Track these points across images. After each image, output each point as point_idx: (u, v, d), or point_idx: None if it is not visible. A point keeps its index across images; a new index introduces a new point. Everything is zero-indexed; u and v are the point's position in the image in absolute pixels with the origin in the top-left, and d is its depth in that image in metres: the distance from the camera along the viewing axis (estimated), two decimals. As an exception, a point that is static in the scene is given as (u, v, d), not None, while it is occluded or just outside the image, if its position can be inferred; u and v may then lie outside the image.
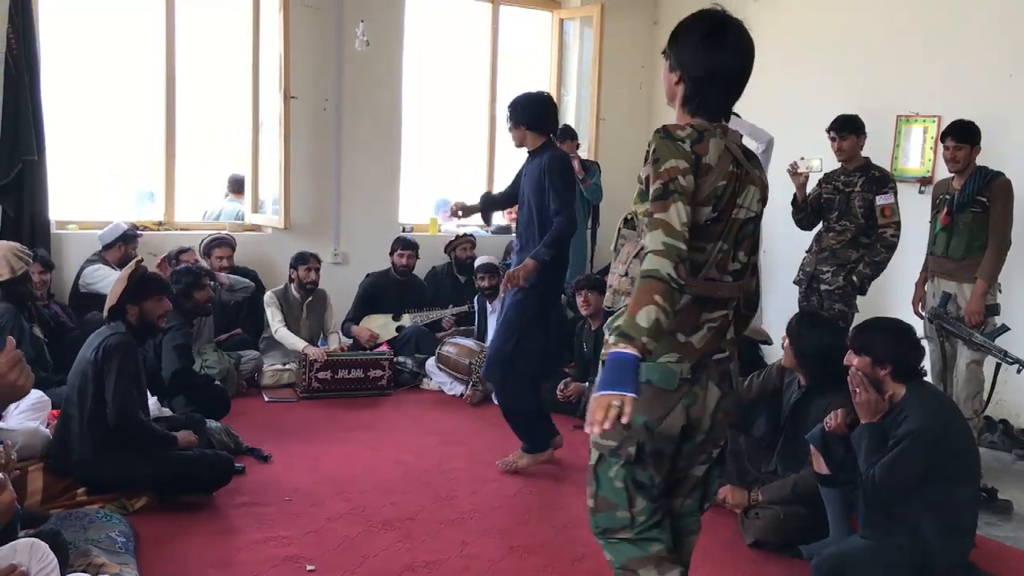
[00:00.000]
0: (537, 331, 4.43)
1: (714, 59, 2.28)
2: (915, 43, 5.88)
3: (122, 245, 5.87)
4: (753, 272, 2.45)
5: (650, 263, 2.07)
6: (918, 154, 5.86)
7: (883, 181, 5.03)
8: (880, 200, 5.00)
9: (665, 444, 2.31)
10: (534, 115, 4.48)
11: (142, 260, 4.06)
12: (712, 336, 2.31)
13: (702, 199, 2.20)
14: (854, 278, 5.03)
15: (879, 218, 4.98)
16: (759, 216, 2.36)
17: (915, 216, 5.48)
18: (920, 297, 5.07)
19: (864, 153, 5.15)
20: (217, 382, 5.31)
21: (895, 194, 5.01)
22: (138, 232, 6.00)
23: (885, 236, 4.97)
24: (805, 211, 5.25)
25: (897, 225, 4.97)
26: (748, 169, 2.31)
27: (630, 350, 1.98)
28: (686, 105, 2.35)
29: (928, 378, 4.72)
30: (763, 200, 2.37)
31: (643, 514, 2.36)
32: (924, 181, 5.76)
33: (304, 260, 6.15)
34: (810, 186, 5.27)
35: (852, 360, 3.36)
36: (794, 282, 5.37)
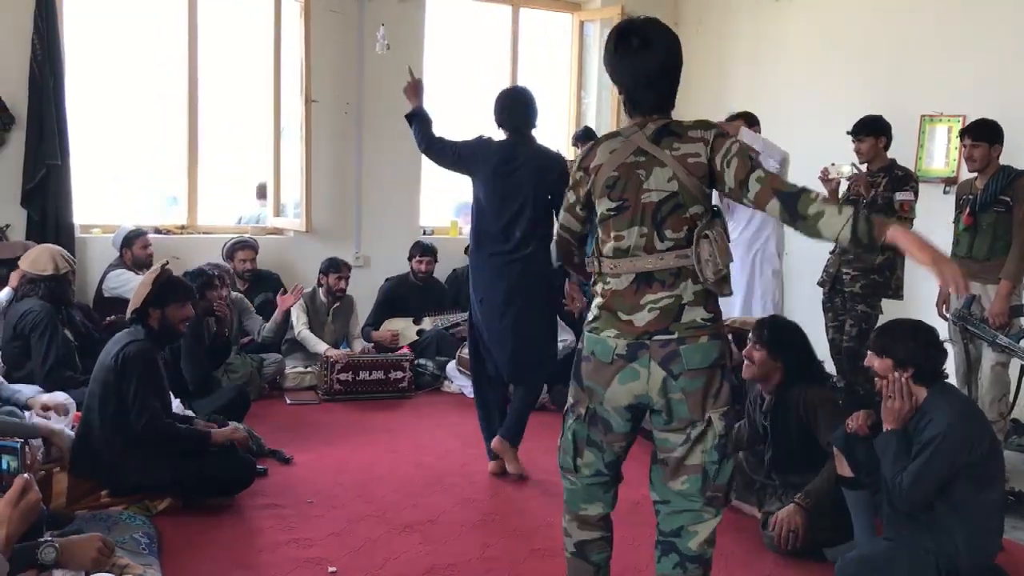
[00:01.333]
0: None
1: (626, 64, 2.55)
2: (940, 41, 5.83)
3: (127, 249, 5.91)
4: (768, 199, 2.41)
5: None
6: (943, 154, 5.81)
7: (905, 180, 4.99)
8: (899, 196, 4.97)
9: (612, 415, 2.56)
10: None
11: (167, 264, 4.08)
12: (656, 318, 2.46)
13: (599, 194, 2.55)
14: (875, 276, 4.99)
15: (898, 214, 4.94)
16: (682, 193, 2.47)
17: (939, 216, 5.43)
18: (944, 299, 5.02)
19: (889, 154, 5.11)
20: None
21: (915, 193, 4.96)
22: (140, 232, 6.01)
23: None
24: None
25: (911, 223, 4.92)
26: (655, 155, 2.48)
27: None
28: (626, 109, 2.63)
29: (952, 380, 4.71)
30: (685, 177, 2.46)
31: (588, 468, 2.66)
32: (949, 181, 5.70)
33: (336, 268, 6.16)
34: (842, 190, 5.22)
35: (873, 362, 3.33)
36: (818, 283, 5.34)
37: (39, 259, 4.74)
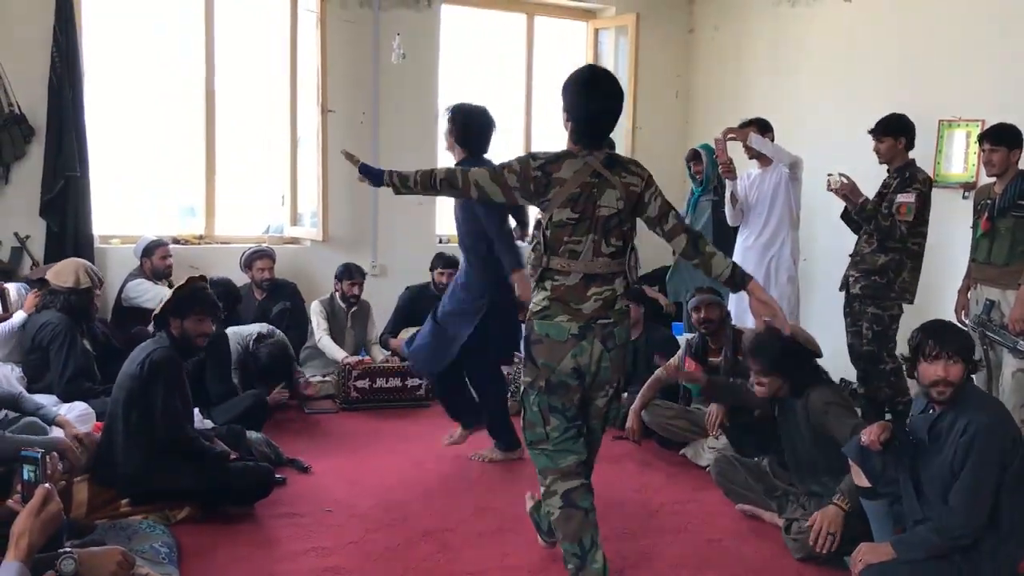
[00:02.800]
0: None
1: (595, 105, 3.19)
2: (957, 46, 5.79)
3: (146, 259, 5.95)
4: (678, 233, 3.27)
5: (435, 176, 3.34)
6: (961, 159, 5.76)
7: (910, 181, 4.94)
8: (899, 198, 4.93)
9: (566, 378, 3.18)
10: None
11: (202, 276, 4.11)
12: (599, 306, 3.17)
13: (560, 204, 3.14)
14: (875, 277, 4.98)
15: (895, 216, 4.90)
16: (624, 211, 3.19)
17: (958, 222, 5.40)
18: (963, 305, 4.98)
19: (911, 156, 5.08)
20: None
21: (920, 196, 4.88)
22: (161, 242, 6.04)
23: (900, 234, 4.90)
24: (851, 222, 5.18)
25: (908, 226, 4.87)
26: (608, 178, 3.16)
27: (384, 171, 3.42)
28: (571, 137, 3.25)
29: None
30: (625, 199, 3.19)
31: (556, 431, 3.24)
32: (967, 186, 5.66)
33: (349, 275, 6.20)
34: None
35: (950, 372, 3.10)
36: (839, 288, 5.31)
37: (62, 272, 4.79)
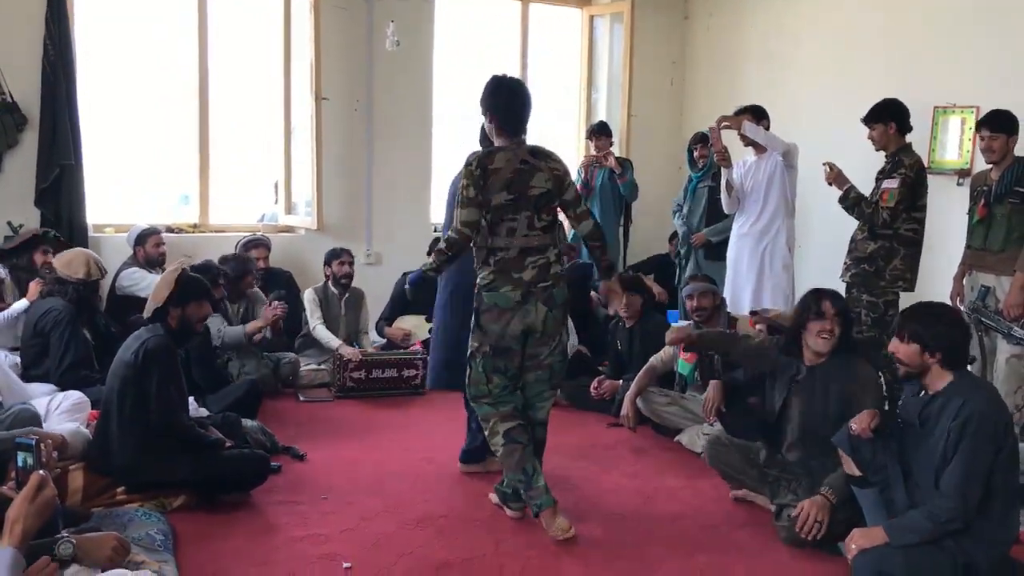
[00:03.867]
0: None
1: (515, 105, 3.80)
2: (952, 32, 5.80)
3: (140, 247, 5.94)
4: (585, 218, 3.89)
5: (442, 241, 3.79)
6: (956, 145, 5.77)
7: (897, 166, 4.92)
8: (884, 184, 4.92)
9: (512, 343, 3.72)
10: None
11: (185, 261, 4.10)
12: (536, 272, 3.69)
13: (498, 189, 3.66)
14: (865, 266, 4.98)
15: (879, 203, 4.89)
16: (552, 191, 3.75)
17: (953, 209, 5.41)
18: (958, 291, 4.99)
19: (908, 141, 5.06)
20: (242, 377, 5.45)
21: (904, 180, 4.83)
22: (154, 230, 6.04)
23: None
24: (849, 211, 5.17)
25: (891, 212, 4.85)
26: (535, 164, 3.73)
27: (418, 271, 4.04)
28: (497, 133, 3.81)
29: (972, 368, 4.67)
30: (552, 180, 3.75)
31: (497, 387, 3.78)
32: (963, 173, 5.67)
33: (337, 255, 6.20)
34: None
35: (898, 348, 3.24)
36: (840, 277, 5.30)
37: (73, 262, 4.79)
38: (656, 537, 3.78)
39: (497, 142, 3.83)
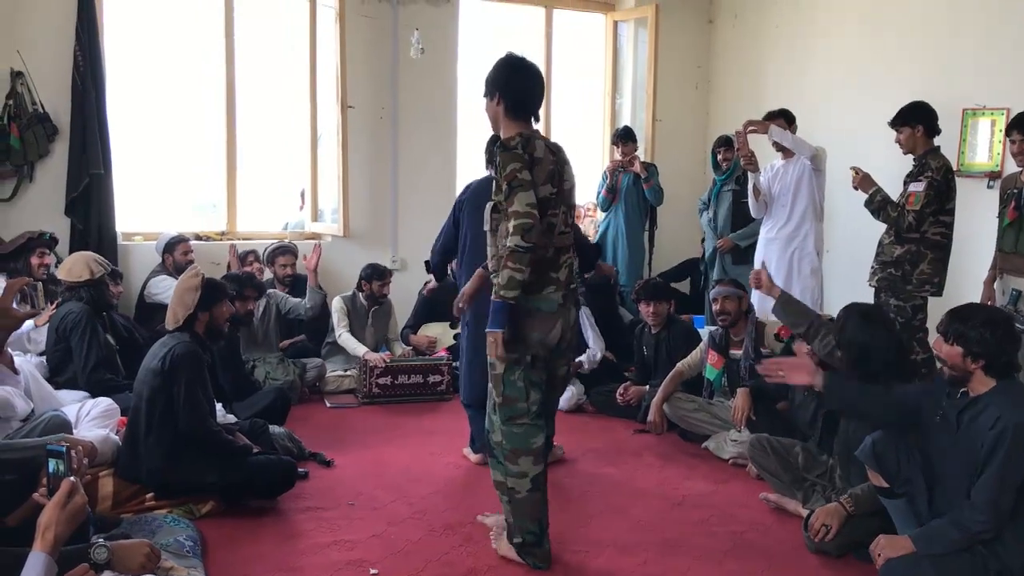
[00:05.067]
0: None
1: (533, 84, 3.38)
2: (981, 32, 5.73)
3: (168, 255, 5.99)
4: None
5: (509, 240, 3.12)
6: (986, 148, 5.69)
7: (923, 169, 4.87)
8: (911, 187, 4.87)
9: (548, 352, 3.33)
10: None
11: (200, 272, 4.14)
12: (568, 272, 3.37)
13: (542, 181, 3.22)
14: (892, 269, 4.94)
15: (905, 205, 4.85)
16: (574, 185, 3.45)
17: (983, 212, 5.34)
18: (989, 295, 4.92)
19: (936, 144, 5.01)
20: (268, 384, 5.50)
21: (931, 184, 4.79)
22: (182, 238, 6.10)
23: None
24: (876, 215, 5.13)
25: (917, 215, 4.80)
26: (561, 157, 3.36)
27: (499, 300, 3.15)
28: (510, 115, 3.34)
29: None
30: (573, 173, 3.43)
31: (535, 404, 3.34)
32: (992, 175, 5.60)
33: (380, 276, 6.18)
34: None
35: (941, 348, 3.15)
36: (868, 281, 5.25)
37: (74, 268, 4.84)
38: (685, 544, 3.75)
39: (506, 129, 3.35)
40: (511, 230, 3.10)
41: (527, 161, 3.18)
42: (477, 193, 4.49)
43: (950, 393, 3.25)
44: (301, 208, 7.22)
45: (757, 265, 5.78)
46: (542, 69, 7.66)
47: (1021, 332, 4.49)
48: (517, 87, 3.34)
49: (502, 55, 3.47)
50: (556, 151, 3.35)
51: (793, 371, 3.53)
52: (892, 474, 3.32)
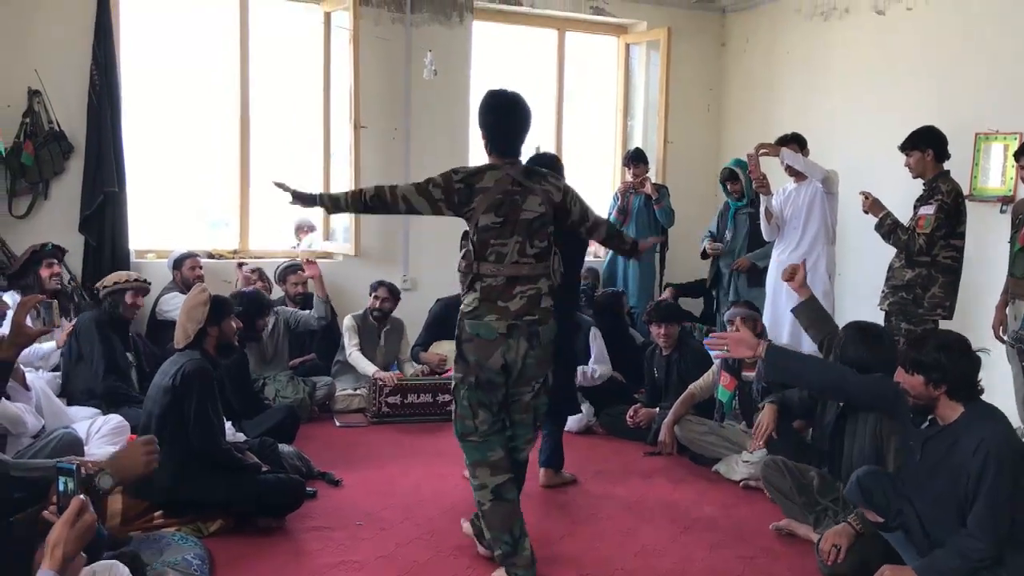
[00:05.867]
0: None
1: (512, 123, 3.48)
2: (994, 57, 5.73)
3: (177, 271, 6.03)
4: (600, 226, 3.73)
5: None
6: (998, 172, 5.68)
7: (933, 193, 4.87)
8: (921, 210, 4.87)
9: (493, 376, 3.40)
10: None
11: (207, 288, 4.16)
12: (525, 304, 3.38)
13: (484, 210, 3.36)
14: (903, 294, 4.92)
15: (915, 229, 4.84)
16: (547, 215, 3.45)
17: (996, 236, 5.32)
18: (1001, 320, 4.90)
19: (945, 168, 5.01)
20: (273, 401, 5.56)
21: (941, 207, 4.80)
22: (190, 254, 6.13)
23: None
24: (885, 239, 5.12)
25: (927, 239, 4.79)
26: (529, 186, 3.43)
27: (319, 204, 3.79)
28: (489, 151, 3.51)
29: (1012, 403, 4.58)
30: (547, 204, 3.45)
31: (484, 424, 3.46)
32: (1005, 200, 5.58)
33: (374, 288, 6.24)
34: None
35: (903, 379, 3.18)
36: (879, 304, 5.24)
37: (109, 277, 5.12)
38: (694, 568, 3.73)
39: (488, 160, 3.51)
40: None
41: (453, 188, 3.40)
42: None
43: (916, 422, 3.25)
44: (297, 246, 7.15)
45: (769, 289, 5.77)
46: (554, 91, 7.80)
47: (979, 352, 4.50)
48: (490, 124, 3.50)
49: (486, 92, 3.57)
50: (520, 182, 3.41)
51: (736, 345, 3.74)
52: (883, 507, 3.32)
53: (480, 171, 3.43)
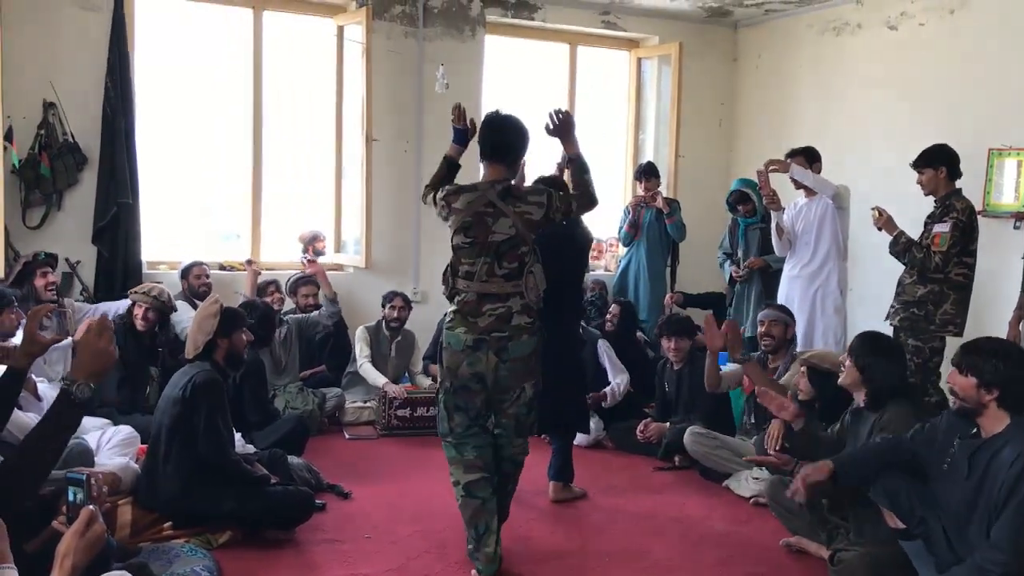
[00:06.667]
0: None
1: (491, 136, 3.70)
2: (1008, 72, 5.71)
3: (184, 280, 6.05)
4: (530, 272, 3.63)
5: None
6: (1012, 188, 5.66)
7: (948, 211, 4.84)
8: (936, 228, 4.84)
9: (468, 382, 3.62)
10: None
11: (219, 300, 4.17)
12: (493, 321, 3.56)
13: (456, 231, 3.61)
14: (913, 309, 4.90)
15: (931, 247, 4.82)
16: (519, 237, 3.58)
17: (1009, 253, 5.30)
18: (1015, 337, 4.86)
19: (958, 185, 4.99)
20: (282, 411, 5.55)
21: (956, 225, 4.77)
22: (197, 263, 6.12)
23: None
24: (900, 257, 5.10)
25: (943, 256, 4.77)
26: (502, 208, 3.56)
27: None
28: (484, 159, 3.73)
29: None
30: (520, 226, 3.58)
31: (460, 426, 3.68)
32: (1019, 216, 5.56)
33: (389, 298, 6.27)
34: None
35: (955, 380, 3.14)
36: (885, 318, 5.22)
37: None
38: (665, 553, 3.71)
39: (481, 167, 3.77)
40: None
41: (442, 200, 3.70)
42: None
43: (961, 435, 3.21)
44: (305, 258, 7.11)
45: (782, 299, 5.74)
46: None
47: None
48: (481, 139, 3.73)
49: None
50: (494, 204, 3.57)
51: (779, 408, 3.84)
52: (906, 513, 3.27)
53: (458, 191, 3.67)
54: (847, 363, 3.80)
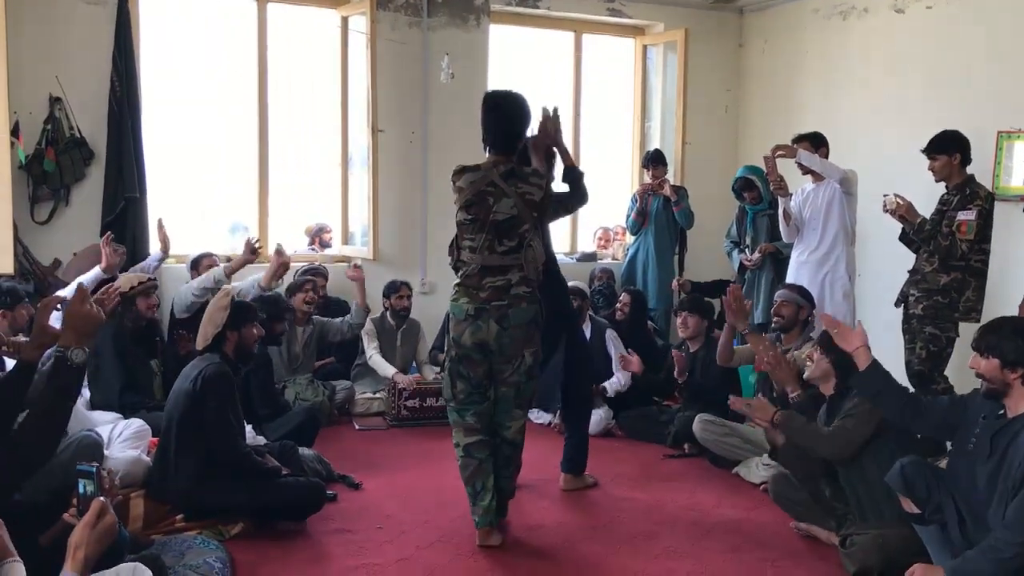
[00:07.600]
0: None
1: (488, 121, 3.87)
2: (1016, 54, 5.67)
3: (194, 270, 6.05)
4: (528, 246, 3.79)
5: None
6: (1022, 171, 5.62)
7: (971, 198, 4.83)
8: (960, 216, 4.82)
9: (469, 351, 3.83)
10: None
11: (231, 292, 4.17)
12: (493, 292, 3.77)
13: (460, 207, 3.83)
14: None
15: (956, 234, 4.80)
16: (520, 216, 3.76)
17: (1019, 236, 5.27)
18: None
19: (968, 171, 4.96)
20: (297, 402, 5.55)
21: (981, 212, 4.78)
22: (207, 254, 6.10)
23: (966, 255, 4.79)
24: (911, 243, 5.08)
25: (970, 245, 4.76)
26: (504, 188, 3.75)
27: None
28: (485, 146, 3.92)
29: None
30: (524, 205, 3.77)
31: (462, 393, 3.91)
32: (1028, 199, 5.53)
33: (395, 289, 6.28)
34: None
35: (978, 364, 3.14)
36: (895, 303, 5.20)
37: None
38: (716, 572, 3.70)
39: (487, 154, 3.91)
40: None
41: (455, 187, 3.87)
42: None
43: (986, 416, 3.20)
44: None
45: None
46: (571, 93, 7.78)
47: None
48: (483, 122, 3.89)
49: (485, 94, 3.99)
50: (496, 183, 3.75)
51: (757, 412, 4.04)
52: (922, 499, 3.26)
53: (462, 171, 3.86)
54: (816, 355, 3.84)
